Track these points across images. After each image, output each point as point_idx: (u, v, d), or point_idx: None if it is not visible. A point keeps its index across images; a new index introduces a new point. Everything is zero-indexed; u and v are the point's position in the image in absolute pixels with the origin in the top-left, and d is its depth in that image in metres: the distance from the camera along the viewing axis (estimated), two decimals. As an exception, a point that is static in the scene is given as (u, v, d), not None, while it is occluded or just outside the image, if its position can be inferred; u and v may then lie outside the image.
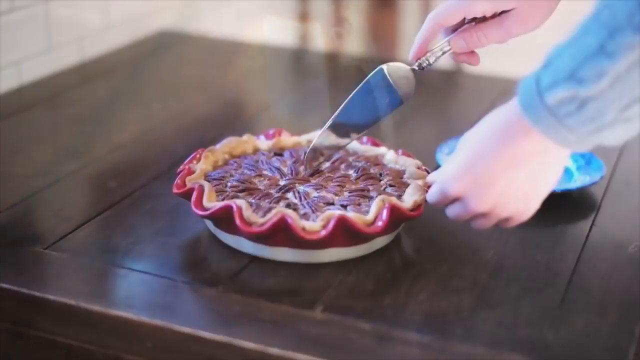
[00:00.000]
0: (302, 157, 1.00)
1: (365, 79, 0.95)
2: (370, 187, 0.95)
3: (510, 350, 0.78)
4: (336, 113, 0.96)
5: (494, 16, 0.91)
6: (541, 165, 0.79)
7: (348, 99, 0.96)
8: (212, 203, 0.90)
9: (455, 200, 0.84)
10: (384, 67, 0.95)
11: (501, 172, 0.79)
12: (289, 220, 0.86)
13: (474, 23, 0.92)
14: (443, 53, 0.94)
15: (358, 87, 0.95)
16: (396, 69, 0.95)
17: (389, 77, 0.95)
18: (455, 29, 0.93)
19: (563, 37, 0.75)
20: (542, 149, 0.77)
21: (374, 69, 0.95)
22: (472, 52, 0.94)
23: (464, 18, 0.92)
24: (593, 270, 0.91)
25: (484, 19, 0.92)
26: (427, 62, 0.94)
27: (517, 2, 0.90)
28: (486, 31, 0.92)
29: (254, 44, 1.73)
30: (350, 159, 1.02)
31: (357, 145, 1.04)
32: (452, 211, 0.85)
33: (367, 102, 0.96)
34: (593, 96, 0.72)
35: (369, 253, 0.92)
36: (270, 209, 0.89)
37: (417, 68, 0.94)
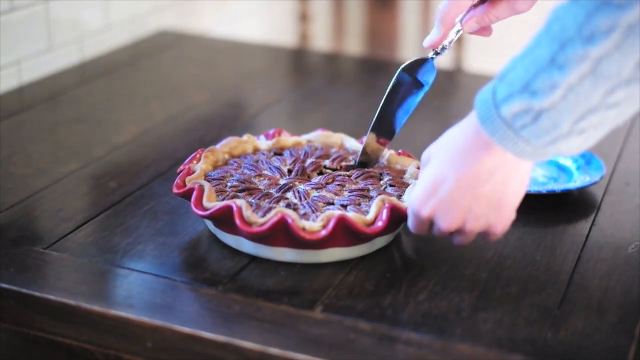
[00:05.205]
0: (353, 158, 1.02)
1: (390, 86, 0.97)
2: (370, 187, 0.95)
3: (510, 350, 0.78)
4: (373, 121, 0.98)
5: None
6: (505, 179, 0.79)
7: (380, 106, 0.98)
8: (212, 203, 0.90)
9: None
10: (401, 68, 0.97)
11: (465, 190, 0.80)
12: (289, 220, 0.86)
13: (482, 4, 0.94)
14: (457, 34, 0.95)
15: (385, 95, 0.97)
16: (413, 66, 0.97)
17: (409, 77, 0.97)
18: None
19: (518, 50, 0.76)
20: (503, 163, 0.78)
21: (395, 73, 0.97)
22: (485, 27, 0.96)
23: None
24: (593, 270, 0.91)
25: None
26: (441, 47, 0.95)
27: None
28: (496, 11, 0.93)
29: (254, 44, 1.73)
30: (351, 158, 1.02)
31: (357, 145, 1.04)
32: (434, 231, 0.86)
33: (397, 102, 0.98)
34: (547, 108, 0.73)
35: (369, 253, 0.92)
36: (270, 209, 0.89)
37: (434, 56, 0.96)
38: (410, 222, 0.86)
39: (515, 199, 0.82)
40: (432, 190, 0.81)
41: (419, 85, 0.97)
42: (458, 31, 0.95)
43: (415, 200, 0.83)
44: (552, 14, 0.73)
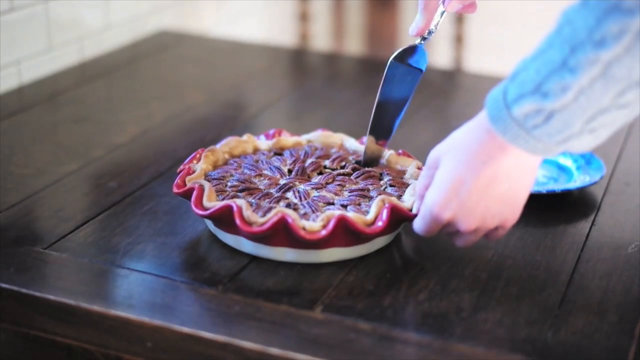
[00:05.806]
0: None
1: (383, 78, 0.97)
2: (371, 187, 0.95)
3: (510, 350, 0.78)
4: (372, 114, 0.99)
5: None
6: (520, 176, 0.81)
7: (377, 97, 0.98)
8: (212, 203, 0.90)
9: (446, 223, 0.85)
10: (392, 58, 0.97)
11: (484, 191, 0.81)
12: (289, 220, 0.86)
13: None
14: (441, 16, 0.96)
15: (381, 86, 0.98)
16: (403, 54, 0.97)
17: (402, 65, 0.97)
18: None
19: (530, 50, 0.76)
20: (519, 162, 0.79)
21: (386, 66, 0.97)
22: (469, 5, 0.96)
23: None
24: (593, 270, 0.91)
25: None
26: (428, 31, 0.96)
27: None
28: None
29: (254, 44, 1.73)
30: (351, 158, 1.02)
31: (357, 145, 1.04)
32: (446, 230, 0.86)
33: (394, 92, 0.98)
34: (558, 109, 0.73)
35: (369, 253, 0.92)
36: (270, 209, 0.89)
37: (422, 41, 0.97)
38: (424, 226, 0.85)
39: (526, 193, 0.83)
40: (451, 194, 0.82)
41: (413, 71, 0.97)
42: (442, 13, 0.95)
43: (435, 205, 0.83)
44: (562, 17, 0.74)
